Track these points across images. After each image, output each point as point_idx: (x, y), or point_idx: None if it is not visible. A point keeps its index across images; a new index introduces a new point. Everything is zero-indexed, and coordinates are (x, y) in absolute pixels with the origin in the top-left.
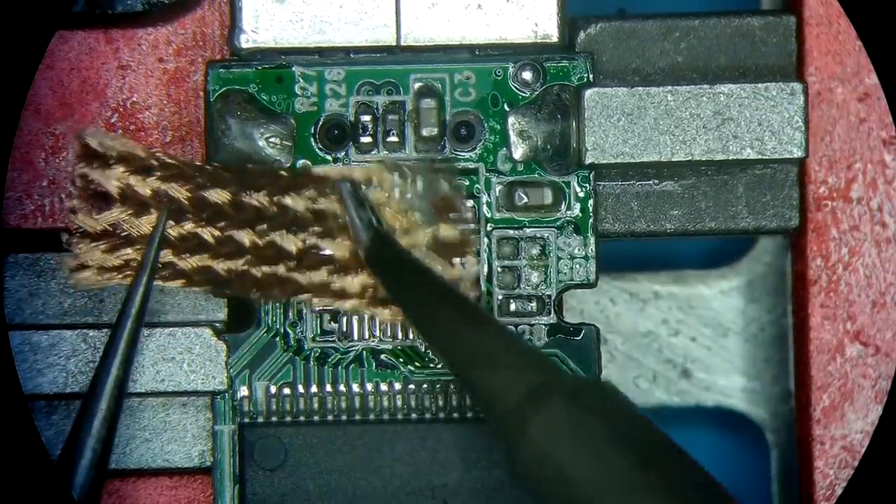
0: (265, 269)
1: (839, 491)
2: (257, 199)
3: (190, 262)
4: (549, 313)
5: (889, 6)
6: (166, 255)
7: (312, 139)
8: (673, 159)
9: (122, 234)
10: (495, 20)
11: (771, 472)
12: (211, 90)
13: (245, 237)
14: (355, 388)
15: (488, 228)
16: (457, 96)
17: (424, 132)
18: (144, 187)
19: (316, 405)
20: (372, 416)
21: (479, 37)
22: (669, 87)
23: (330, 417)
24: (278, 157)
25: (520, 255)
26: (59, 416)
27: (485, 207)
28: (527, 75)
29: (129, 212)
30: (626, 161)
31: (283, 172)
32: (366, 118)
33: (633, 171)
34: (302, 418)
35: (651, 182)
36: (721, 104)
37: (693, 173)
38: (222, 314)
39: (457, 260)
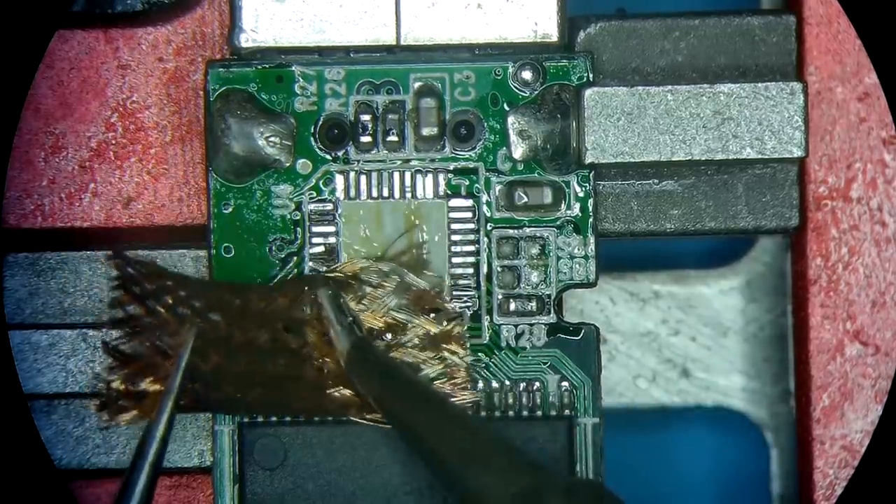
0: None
1: (839, 491)
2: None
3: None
4: (549, 313)
5: (889, 6)
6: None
7: (312, 138)
8: (673, 159)
9: (143, 363)
10: (495, 20)
11: (771, 472)
12: (211, 89)
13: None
14: None
15: (488, 228)
16: (456, 96)
17: (424, 131)
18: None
19: None
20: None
21: (479, 36)
22: (669, 87)
23: (329, 417)
24: (278, 157)
25: (519, 255)
26: (59, 416)
27: (485, 207)
28: (527, 75)
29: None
30: (626, 160)
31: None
32: (366, 117)
33: (632, 171)
34: (301, 418)
35: (651, 182)
36: (721, 104)
37: (693, 173)
38: None
39: (452, 352)
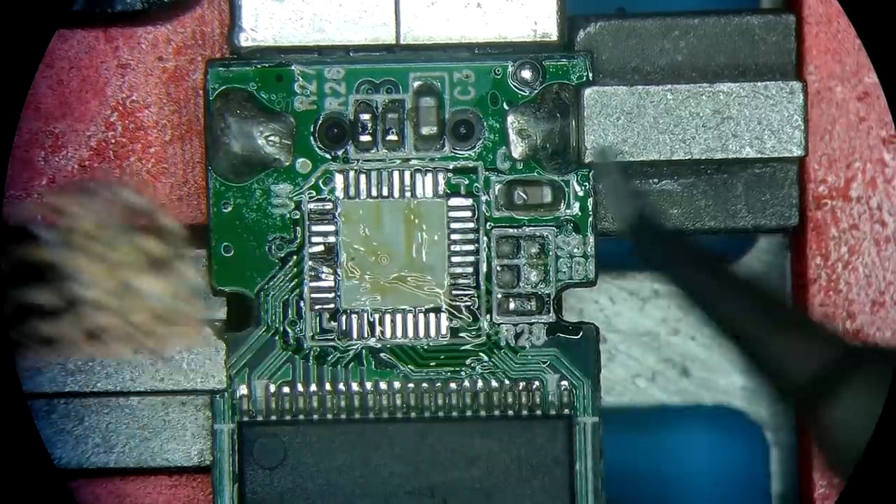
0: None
1: (839, 491)
2: None
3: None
4: (549, 312)
5: (889, 6)
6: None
7: (312, 138)
8: (672, 158)
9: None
10: (495, 19)
11: (771, 472)
12: (210, 89)
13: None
14: (355, 386)
15: (487, 227)
16: (456, 95)
17: (424, 131)
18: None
19: (315, 404)
20: (371, 415)
21: (479, 35)
22: (669, 86)
23: (329, 416)
24: (278, 156)
25: (519, 254)
26: (59, 416)
27: (484, 206)
28: (526, 74)
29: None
30: (626, 160)
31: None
32: (365, 117)
33: (632, 170)
34: (301, 417)
35: (650, 181)
36: (721, 103)
37: (692, 172)
38: (222, 313)
39: (174, 273)
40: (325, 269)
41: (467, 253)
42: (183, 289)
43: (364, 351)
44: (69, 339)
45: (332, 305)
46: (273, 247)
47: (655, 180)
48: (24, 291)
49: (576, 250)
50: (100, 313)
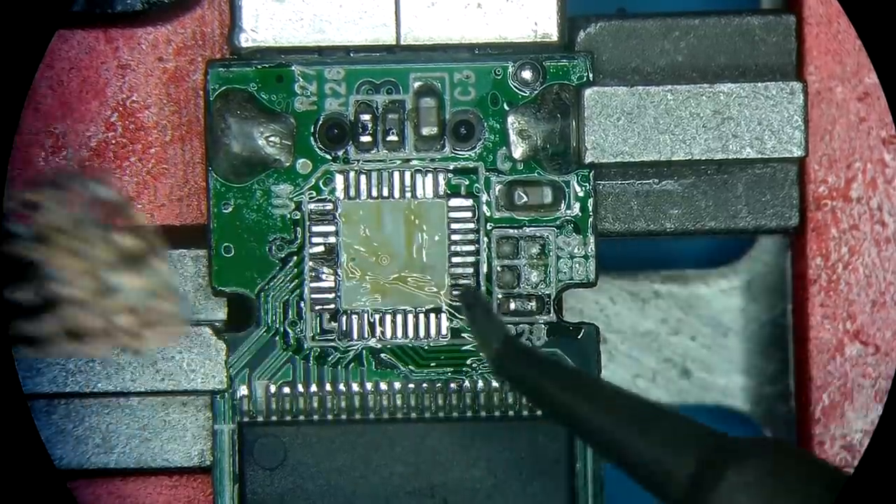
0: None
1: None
2: None
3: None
4: (549, 313)
5: (889, 6)
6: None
7: (312, 138)
8: (673, 158)
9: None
10: (495, 19)
11: None
12: (211, 89)
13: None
14: (355, 387)
15: (488, 227)
16: (456, 95)
17: (424, 131)
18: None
19: (316, 404)
20: (372, 416)
21: (479, 36)
22: (669, 87)
23: (330, 417)
24: (278, 157)
25: (519, 255)
26: (59, 416)
27: (484, 207)
28: (526, 74)
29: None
30: (626, 160)
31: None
32: (365, 117)
33: (632, 171)
34: (302, 417)
35: (651, 181)
36: (721, 103)
37: (693, 172)
38: (222, 313)
39: (150, 269)
40: (325, 269)
41: (468, 253)
42: (160, 285)
43: (364, 351)
44: (51, 337)
45: (332, 306)
46: (273, 247)
47: (656, 181)
48: (8, 289)
49: (576, 251)
50: (79, 311)
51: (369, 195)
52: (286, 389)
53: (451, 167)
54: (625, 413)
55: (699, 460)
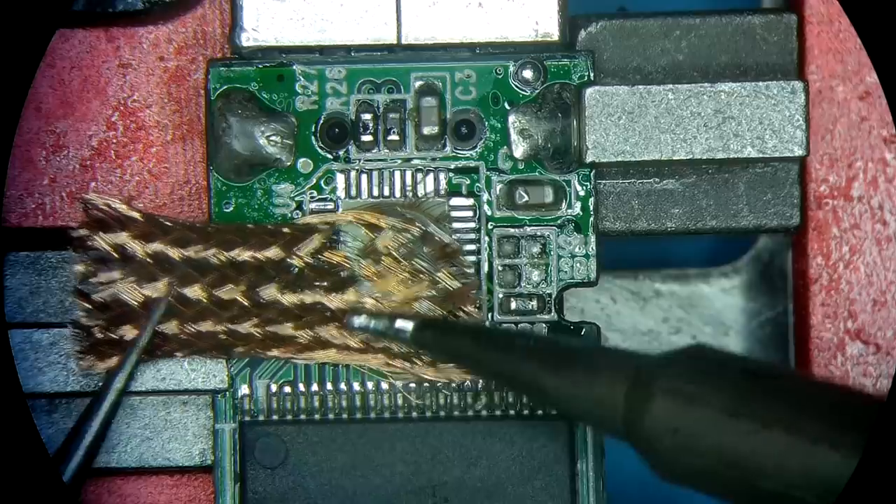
0: (269, 329)
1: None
2: (255, 255)
3: (194, 329)
4: (550, 312)
5: (889, 6)
6: (169, 327)
7: (313, 137)
8: (674, 158)
9: (122, 309)
10: (496, 19)
11: None
12: (212, 88)
13: (244, 298)
14: (356, 386)
15: (489, 227)
16: (457, 95)
17: (425, 130)
18: (142, 250)
19: (317, 403)
20: (373, 415)
21: (480, 35)
22: (670, 86)
23: (331, 416)
24: (279, 156)
25: (520, 254)
26: (60, 415)
27: (485, 206)
28: (527, 74)
29: (131, 279)
30: (627, 159)
31: (285, 229)
32: (366, 116)
33: (633, 170)
34: (303, 417)
35: (652, 180)
36: (722, 102)
37: (694, 172)
38: None
39: (466, 313)
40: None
41: (469, 253)
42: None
43: None
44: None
45: None
46: None
47: (657, 180)
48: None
49: (577, 250)
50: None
51: (370, 194)
52: (287, 389)
53: (453, 166)
54: (547, 358)
55: (627, 385)
